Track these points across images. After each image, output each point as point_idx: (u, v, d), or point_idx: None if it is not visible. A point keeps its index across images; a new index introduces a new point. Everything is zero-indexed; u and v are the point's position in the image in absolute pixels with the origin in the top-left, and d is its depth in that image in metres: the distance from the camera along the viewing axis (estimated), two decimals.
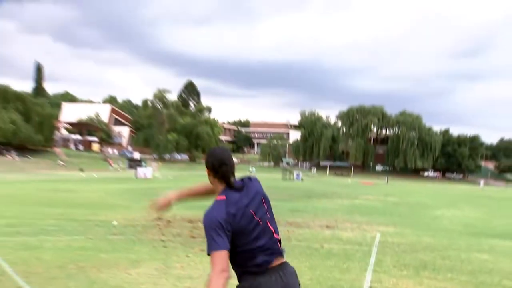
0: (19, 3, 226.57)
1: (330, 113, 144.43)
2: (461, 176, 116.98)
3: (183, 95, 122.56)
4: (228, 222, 3.08)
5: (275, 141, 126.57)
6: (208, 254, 3.05)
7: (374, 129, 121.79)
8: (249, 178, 3.43)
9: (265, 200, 3.37)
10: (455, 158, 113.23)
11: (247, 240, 3.14)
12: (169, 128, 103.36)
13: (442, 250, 12.94)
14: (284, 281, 3.26)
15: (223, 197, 3.20)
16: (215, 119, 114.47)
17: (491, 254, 12.86)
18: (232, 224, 3.09)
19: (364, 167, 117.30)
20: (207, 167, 3.37)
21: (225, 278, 2.95)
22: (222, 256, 3.00)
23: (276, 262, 3.29)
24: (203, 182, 3.48)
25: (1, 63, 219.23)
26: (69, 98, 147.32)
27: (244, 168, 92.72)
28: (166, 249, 11.09)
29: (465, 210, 28.22)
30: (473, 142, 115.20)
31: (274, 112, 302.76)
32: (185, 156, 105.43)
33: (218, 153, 3.38)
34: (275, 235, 3.31)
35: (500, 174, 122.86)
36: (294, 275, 3.38)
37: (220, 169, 3.29)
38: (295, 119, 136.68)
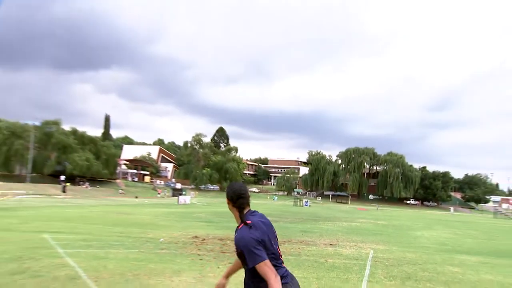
0: (95, 70, 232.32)
1: (332, 153, 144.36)
2: (435, 204, 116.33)
3: (215, 138, 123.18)
4: (260, 241, 3.12)
5: (288, 175, 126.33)
6: (254, 265, 3.07)
7: (367, 166, 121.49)
8: (257, 211, 3.48)
9: (272, 226, 3.41)
10: (431, 189, 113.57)
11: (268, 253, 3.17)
12: (204, 164, 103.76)
13: (422, 264, 12.79)
14: (297, 285, 3.32)
15: (249, 222, 3.22)
16: (240, 157, 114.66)
17: (460, 267, 12.74)
18: (262, 241, 3.14)
19: (359, 196, 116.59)
20: (227, 198, 3.41)
21: (279, 279, 3.03)
22: (268, 264, 3.05)
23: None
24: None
25: (81, 115, 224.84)
26: (128, 141, 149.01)
27: (263, 196, 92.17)
28: (202, 261, 11.04)
29: (439, 231, 27.87)
30: (445, 177, 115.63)
31: (287, 151, 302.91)
32: (216, 187, 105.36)
33: (236, 187, 3.41)
34: (278, 251, 3.34)
35: (465, 202, 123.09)
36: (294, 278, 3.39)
37: (237, 201, 3.33)
38: (304, 157, 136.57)
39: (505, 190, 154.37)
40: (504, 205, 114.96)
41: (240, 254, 3.17)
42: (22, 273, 8.82)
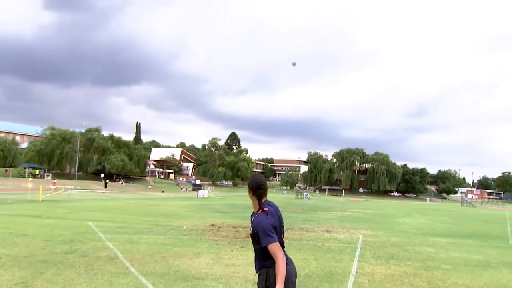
0: (128, 86, 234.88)
1: (328, 153, 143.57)
2: (414, 195, 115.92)
3: (229, 141, 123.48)
4: (274, 226, 3.14)
5: (290, 172, 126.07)
6: (265, 246, 3.08)
7: (357, 164, 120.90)
8: (274, 203, 3.46)
9: (282, 219, 3.41)
10: (411, 183, 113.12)
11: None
12: (219, 163, 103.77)
13: (403, 246, 12.71)
14: (294, 267, 3.31)
15: (265, 209, 3.23)
16: (250, 157, 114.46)
17: (434, 247, 12.70)
18: (275, 228, 3.15)
19: (351, 190, 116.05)
20: (248, 187, 3.41)
21: (284, 261, 3.03)
22: (278, 246, 3.07)
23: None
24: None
25: (116, 123, 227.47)
26: (155, 144, 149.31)
27: (270, 190, 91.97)
28: (218, 245, 11.05)
29: (417, 218, 27.66)
30: (422, 173, 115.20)
31: (290, 152, 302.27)
32: (230, 183, 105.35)
33: (257, 179, 3.40)
34: (283, 239, 3.34)
35: (439, 194, 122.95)
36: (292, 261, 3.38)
37: (257, 190, 3.33)
38: (304, 157, 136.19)
39: (470, 183, 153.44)
40: (470, 195, 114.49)
41: (254, 235, 3.19)
42: (73, 253, 8.93)
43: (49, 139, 71.60)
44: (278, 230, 3.19)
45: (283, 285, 2.93)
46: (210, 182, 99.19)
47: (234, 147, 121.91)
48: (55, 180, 48.13)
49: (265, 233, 3.10)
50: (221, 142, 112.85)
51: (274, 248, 3.03)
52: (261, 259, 3.20)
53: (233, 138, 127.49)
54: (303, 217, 23.11)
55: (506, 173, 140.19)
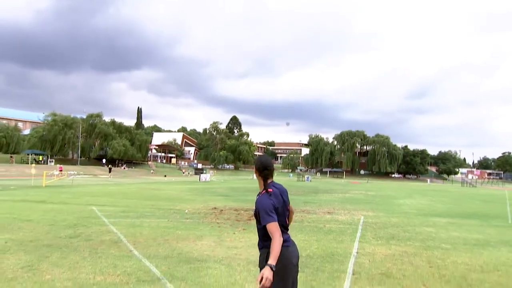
0: (129, 71, 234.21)
1: (329, 136, 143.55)
2: (415, 176, 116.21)
3: (230, 125, 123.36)
4: (275, 207, 3.15)
5: (291, 155, 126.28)
6: (264, 224, 3.11)
7: (358, 146, 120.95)
8: (281, 185, 3.48)
9: (288, 201, 3.42)
10: (411, 164, 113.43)
11: (279, 220, 3.18)
12: (221, 147, 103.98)
13: (404, 226, 12.79)
14: (296, 249, 3.33)
15: (269, 190, 3.25)
16: (251, 141, 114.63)
17: (434, 227, 12.80)
18: (276, 209, 3.17)
19: (352, 172, 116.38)
20: (255, 167, 3.42)
21: (281, 242, 3.03)
22: (277, 226, 3.07)
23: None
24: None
25: (118, 108, 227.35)
26: (157, 129, 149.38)
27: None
28: (220, 228, 11.13)
29: (418, 199, 27.79)
30: (422, 154, 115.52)
31: (290, 135, 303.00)
32: (231, 166, 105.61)
33: (263, 160, 3.41)
34: (286, 221, 3.35)
35: (439, 174, 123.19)
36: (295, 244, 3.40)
37: (263, 171, 3.34)
38: (305, 140, 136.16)
39: (471, 163, 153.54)
40: (470, 176, 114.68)
41: (256, 214, 3.21)
42: (77, 237, 9.02)
43: (51, 125, 71.71)
44: (280, 212, 3.21)
45: (274, 262, 2.93)
46: (212, 166, 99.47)
47: (236, 131, 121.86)
48: (61, 166, 48.49)
49: (265, 212, 3.11)
50: (222, 126, 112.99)
51: (272, 227, 3.05)
52: (263, 239, 3.23)
53: (234, 122, 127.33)
54: (305, 199, 23.22)
55: (507, 153, 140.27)
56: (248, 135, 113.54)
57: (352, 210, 17.63)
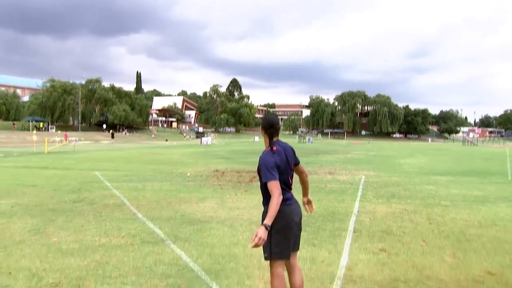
0: (127, 35, 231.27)
1: (329, 97, 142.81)
2: (416, 136, 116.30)
3: (230, 88, 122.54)
4: (277, 165, 3.17)
5: (292, 117, 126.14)
6: (265, 182, 3.13)
7: (359, 106, 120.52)
8: (287, 144, 3.49)
9: (292, 160, 3.44)
10: (413, 124, 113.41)
11: (281, 179, 3.20)
12: (221, 110, 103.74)
13: (404, 185, 12.93)
14: (298, 208, 3.37)
15: (273, 148, 3.26)
16: (252, 103, 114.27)
17: (434, 186, 12.92)
18: (278, 167, 3.18)
19: (353, 133, 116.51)
20: (261, 125, 3.42)
21: (281, 198, 3.07)
22: (277, 184, 3.09)
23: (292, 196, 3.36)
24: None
25: (117, 73, 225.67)
26: (157, 93, 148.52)
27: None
28: (222, 190, 11.25)
29: (419, 158, 27.95)
30: (424, 114, 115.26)
31: (291, 97, 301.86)
32: (232, 129, 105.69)
33: (269, 118, 3.41)
34: (290, 181, 3.37)
35: (441, 134, 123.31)
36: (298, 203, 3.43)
37: (269, 129, 3.34)
38: (306, 101, 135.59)
39: (472, 122, 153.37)
40: (471, 134, 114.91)
41: (259, 170, 3.24)
42: (81, 201, 9.14)
43: (50, 91, 71.33)
44: (282, 170, 3.22)
45: (270, 222, 2.98)
46: (213, 129, 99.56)
47: (236, 94, 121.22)
48: (66, 133, 48.63)
49: (267, 169, 3.14)
50: (222, 89, 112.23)
51: (272, 185, 3.08)
52: (265, 196, 3.26)
53: (234, 85, 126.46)
54: (306, 160, 23.35)
55: (509, 111, 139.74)
56: (248, 97, 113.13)
57: (353, 170, 17.76)
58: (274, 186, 3.08)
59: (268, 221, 2.98)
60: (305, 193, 3.77)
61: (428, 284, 4.38)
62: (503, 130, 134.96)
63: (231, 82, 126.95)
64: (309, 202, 3.80)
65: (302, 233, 3.49)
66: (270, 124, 3.35)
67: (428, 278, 4.57)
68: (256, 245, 2.93)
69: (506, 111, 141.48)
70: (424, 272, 4.76)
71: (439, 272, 4.78)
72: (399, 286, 4.30)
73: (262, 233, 2.93)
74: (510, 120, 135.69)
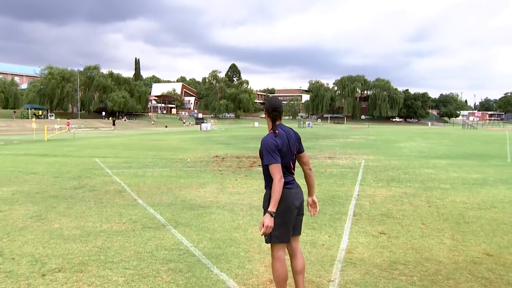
0: (124, 21, 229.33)
1: (329, 81, 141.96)
2: (416, 120, 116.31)
3: (229, 73, 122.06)
4: (278, 148, 3.16)
5: (292, 102, 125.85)
6: (267, 164, 3.13)
7: (359, 91, 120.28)
8: (291, 129, 3.47)
9: (295, 146, 3.41)
10: (412, 108, 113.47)
11: (282, 162, 3.18)
12: (221, 96, 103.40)
13: (404, 169, 12.96)
14: (300, 192, 3.37)
15: (275, 131, 3.25)
16: (251, 89, 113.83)
17: (434, 169, 12.99)
18: (280, 150, 3.17)
19: (353, 117, 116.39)
20: (265, 109, 3.38)
21: (283, 182, 3.08)
22: (278, 167, 3.09)
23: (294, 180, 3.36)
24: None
25: (115, 60, 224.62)
26: (155, 80, 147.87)
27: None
28: (222, 175, 11.28)
29: (419, 142, 27.98)
30: (423, 97, 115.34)
31: (290, 82, 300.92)
32: (232, 115, 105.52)
33: (273, 102, 3.37)
34: (291, 165, 3.35)
35: (440, 117, 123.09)
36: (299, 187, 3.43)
37: (272, 113, 3.31)
38: (305, 86, 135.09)
39: (472, 105, 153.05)
40: (471, 118, 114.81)
41: (261, 153, 3.23)
42: (82, 187, 9.18)
43: (48, 79, 70.99)
44: (284, 153, 3.20)
45: (274, 209, 3.00)
46: (212, 115, 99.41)
47: (235, 79, 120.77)
48: (68, 120, 48.65)
49: (268, 152, 3.14)
50: (222, 75, 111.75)
51: (273, 168, 3.09)
52: (266, 178, 3.26)
53: (233, 70, 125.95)
54: (306, 145, 23.24)
55: (509, 94, 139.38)
56: (247, 83, 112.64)
57: (353, 155, 17.79)
58: (275, 169, 3.09)
59: (272, 207, 3.00)
60: (310, 191, 3.62)
61: (427, 266, 4.42)
62: (503, 113, 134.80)
63: (230, 67, 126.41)
64: (313, 204, 3.63)
65: (303, 217, 3.51)
66: (273, 107, 3.34)
67: (427, 260, 4.62)
68: (264, 233, 2.99)
69: (506, 94, 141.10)
70: (423, 254, 4.80)
71: (438, 254, 4.83)
72: (398, 268, 4.35)
73: (268, 221, 2.97)
74: (510, 103, 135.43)
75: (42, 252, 4.79)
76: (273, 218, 3.00)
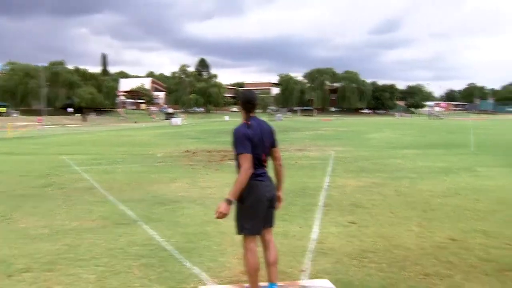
0: (90, 15, 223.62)
1: (298, 74, 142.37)
2: (385, 111, 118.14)
3: (198, 68, 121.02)
4: (249, 138, 3.15)
5: (262, 95, 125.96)
6: (237, 154, 3.13)
7: (328, 83, 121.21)
8: (266, 122, 3.48)
9: (268, 139, 3.41)
10: (381, 100, 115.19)
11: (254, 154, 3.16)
12: (190, 90, 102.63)
13: (373, 159, 13.21)
14: (271, 184, 3.38)
15: (248, 122, 3.25)
16: (221, 83, 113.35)
17: (402, 159, 13.32)
18: (251, 141, 3.16)
19: (323, 109, 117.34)
20: (239, 101, 3.38)
21: (250, 173, 3.08)
22: (248, 157, 3.09)
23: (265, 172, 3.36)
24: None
25: (81, 55, 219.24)
26: (124, 75, 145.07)
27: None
28: (193, 170, 11.24)
29: (387, 133, 28.54)
30: (391, 89, 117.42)
31: (260, 75, 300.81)
32: (202, 109, 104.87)
33: (247, 94, 3.40)
34: (263, 157, 3.34)
35: (408, 108, 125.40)
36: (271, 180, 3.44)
37: (246, 105, 3.32)
38: (275, 80, 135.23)
39: (438, 96, 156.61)
40: (437, 108, 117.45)
41: (233, 143, 3.21)
42: (50, 186, 8.98)
43: (10, 74, 68.92)
44: (256, 144, 3.19)
45: (233, 197, 3.02)
46: (182, 110, 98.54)
47: (204, 74, 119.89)
48: (40, 117, 47.33)
49: (239, 141, 3.14)
50: (191, 69, 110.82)
51: (242, 158, 3.08)
52: (238, 167, 3.27)
53: (202, 64, 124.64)
54: (277, 138, 23.46)
55: (472, 85, 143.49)
56: (217, 77, 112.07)
57: (323, 146, 17.99)
58: (245, 159, 3.09)
59: (231, 195, 3.03)
60: (277, 186, 3.53)
61: (395, 253, 4.53)
62: (467, 104, 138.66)
63: (199, 62, 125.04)
64: (278, 199, 3.53)
65: (275, 210, 3.53)
66: (247, 99, 3.34)
67: (396, 247, 4.73)
68: (218, 218, 3.02)
69: (469, 84, 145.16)
70: (392, 242, 4.92)
71: (406, 241, 4.95)
72: (368, 256, 4.44)
73: (223, 208, 2.99)
74: (472, 94, 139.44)
75: (8, 253, 4.66)
76: (229, 206, 3.01)
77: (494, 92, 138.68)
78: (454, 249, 4.65)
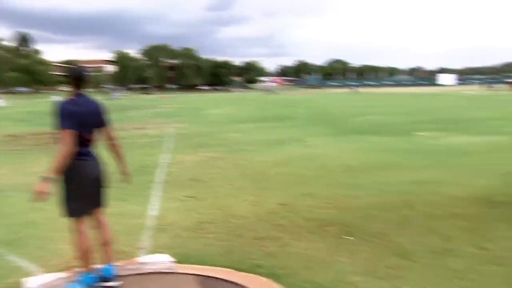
0: None
1: (135, 51, 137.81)
2: (223, 87, 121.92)
3: (18, 42, 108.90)
4: (75, 115, 2.98)
5: (96, 73, 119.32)
6: (60, 130, 2.94)
7: (166, 60, 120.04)
8: (94, 100, 3.30)
9: (96, 118, 3.27)
10: (219, 76, 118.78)
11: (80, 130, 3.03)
12: (11, 68, 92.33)
13: (211, 135, 13.63)
14: (98, 164, 3.27)
15: (75, 98, 3.08)
16: (49, 60, 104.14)
17: (240, 133, 14.04)
18: (76, 117, 2.99)
19: (161, 87, 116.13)
20: (67, 77, 3.16)
21: (71, 150, 2.93)
22: (69, 133, 2.92)
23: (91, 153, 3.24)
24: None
25: None
26: None
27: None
28: (17, 155, 10.27)
29: (225, 109, 29.57)
30: (228, 65, 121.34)
31: (93, 52, 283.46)
32: (28, 89, 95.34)
33: (76, 69, 3.23)
34: (88, 136, 3.19)
35: (245, 84, 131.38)
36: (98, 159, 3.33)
37: (74, 81, 3.12)
38: (109, 57, 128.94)
39: (272, 72, 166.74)
40: (271, 84, 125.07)
41: (56, 118, 3.00)
42: None
43: None
44: (80, 123, 3.02)
45: (51, 174, 2.89)
46: (3, 90, 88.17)
47: (28, 49, 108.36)
48: None
49: (62, 116, 2.97)
50: (7, 43, 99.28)
51: (64, 135, 2.92)
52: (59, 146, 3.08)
53: (25, 39, 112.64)
54: (114, 117, 22.51)
55: (301, 61, 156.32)
56: (41, 52, 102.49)
57: (163, 124, 17.88)
58: (66, 136, 2.92)
59: (50, 172, 2.87)
60: (120, 164, 3.54)
61: (232, 222, 4.79)
62: (297, 79, 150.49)
63: (18, 35, 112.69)
64: (125, 174, 3.58)
65: (111, 190, 3.43)
66: (76, 75, 3.17)
67: (233, 216, 5.00)
68: (38, 199, 2.88)
69: (299, 61, 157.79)
70: (229, 212, 5.17)
71: (242, 210, 5.26)
72: (206, 228, 4.61)
73: (41, 187, 2.86)
74: (301, 70, 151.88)
75: None
76: (48, 184, 2.88)
77: (320, 68, 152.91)
78: (285, 213, 5.09)
